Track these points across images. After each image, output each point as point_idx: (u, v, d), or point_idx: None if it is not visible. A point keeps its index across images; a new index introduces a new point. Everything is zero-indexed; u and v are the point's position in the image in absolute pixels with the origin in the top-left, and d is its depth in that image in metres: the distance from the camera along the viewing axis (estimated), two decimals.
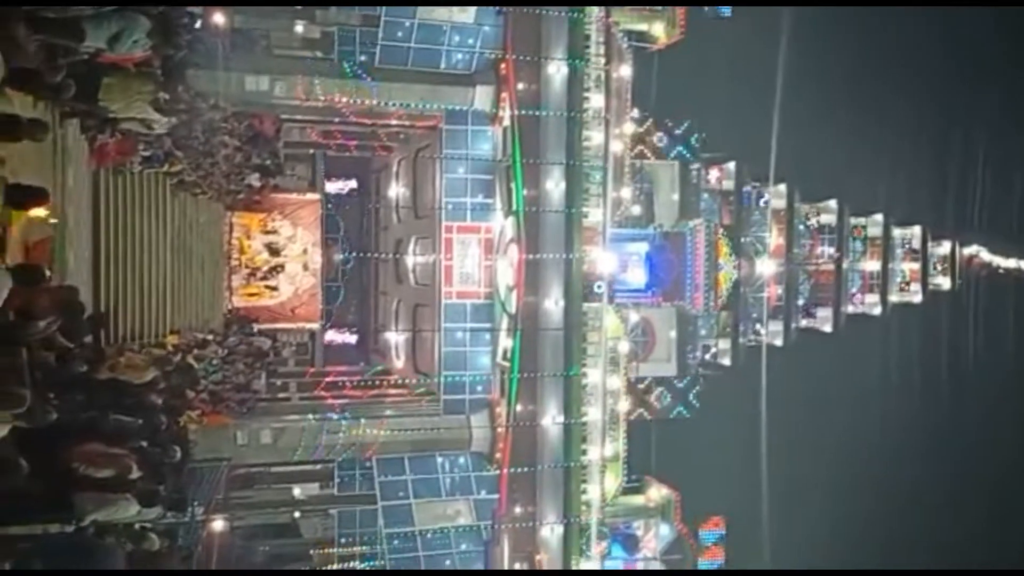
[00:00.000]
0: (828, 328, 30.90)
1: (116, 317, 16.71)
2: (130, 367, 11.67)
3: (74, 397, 9.66)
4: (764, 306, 29.79)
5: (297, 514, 28.32)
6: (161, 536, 10.67)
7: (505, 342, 25.23)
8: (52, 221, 10.54)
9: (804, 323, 30.95)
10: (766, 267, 28.96)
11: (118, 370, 11.43)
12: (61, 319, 8.96)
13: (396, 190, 31.74)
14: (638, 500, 24.44)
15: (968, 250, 32.78)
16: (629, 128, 25.68)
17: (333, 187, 33.80)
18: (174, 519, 11.97)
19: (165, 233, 19.55)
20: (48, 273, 9.22)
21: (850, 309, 31.19)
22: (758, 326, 30.04)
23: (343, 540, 25.80)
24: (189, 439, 13.83)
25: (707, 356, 29.51)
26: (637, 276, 26.12)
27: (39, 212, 9.91)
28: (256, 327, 28.15)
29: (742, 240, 28.60)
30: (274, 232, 29.89)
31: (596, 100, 23.48)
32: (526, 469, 22.76)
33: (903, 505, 46.22)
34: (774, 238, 29.83)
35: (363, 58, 25.02)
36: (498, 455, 24.63)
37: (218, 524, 22.64)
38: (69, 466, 8.76)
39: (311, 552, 27.75)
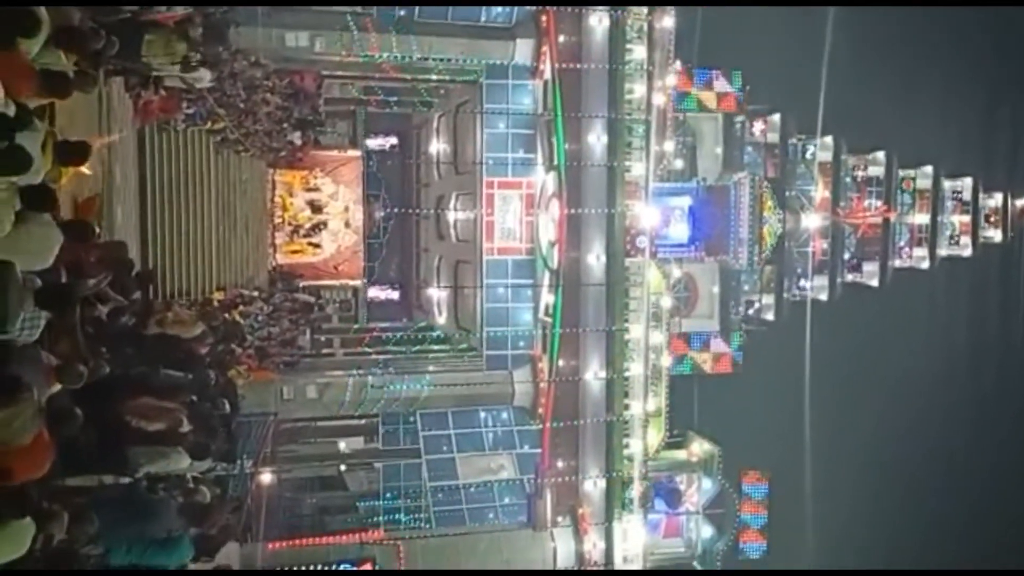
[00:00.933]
0: (875, 283, 30.38)
1: (163, 274, 16.95)
2: (178, 322, 11.82)
3: (125, 352, 9.81)
4: (809, 261, 29.36)
5: (343, 467, 28.77)
6: (212, 488, 10.88)
7: (547, 298, 25.20)
8: (89, 174, 10.63)
9: (850, 278, 30.45)
10: (811, 221, 28.49)
11: (166, 325, 11.57)
12: (111, 275, 9.10)
13: (437, 146, 31.64)
14: (680, 455, 24.43)
15: (1021, 202, 31.92)
16: (672, 80, 25.23)
17: (374, 144, 33.75)
18: (224, 472, 12.17)
19: (209, 190, 19.72)
20: (97, 229, 9.32)
21: (897, 263, 30.59)
22: (802, 281, 29.64)
23: (388, 493, 26.18)
24: (237, 394, 14.02)
25: (750, 311, 29.23)
26: (680, 231, 25.83)
27: (86, 169, 10.01)
28: (300, 284, 28.45)
29: (787, 194, 28.11)
30: (316, 189, 30.03)
31: (638, 52, 23.09)
32: (569, 424, 22.83)
33: (949, 466, 45.74)
34: (820, 191, 29.29)
35: (402, 12, 24.82)
36: (540, 410, 24.75)
37: (266, 477, 23.11)
38: (122, 419, 8.93)
39: (357, 505, 28.22)
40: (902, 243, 31.04)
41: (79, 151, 7.39)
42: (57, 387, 7.07)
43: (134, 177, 15.52)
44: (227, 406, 11.93)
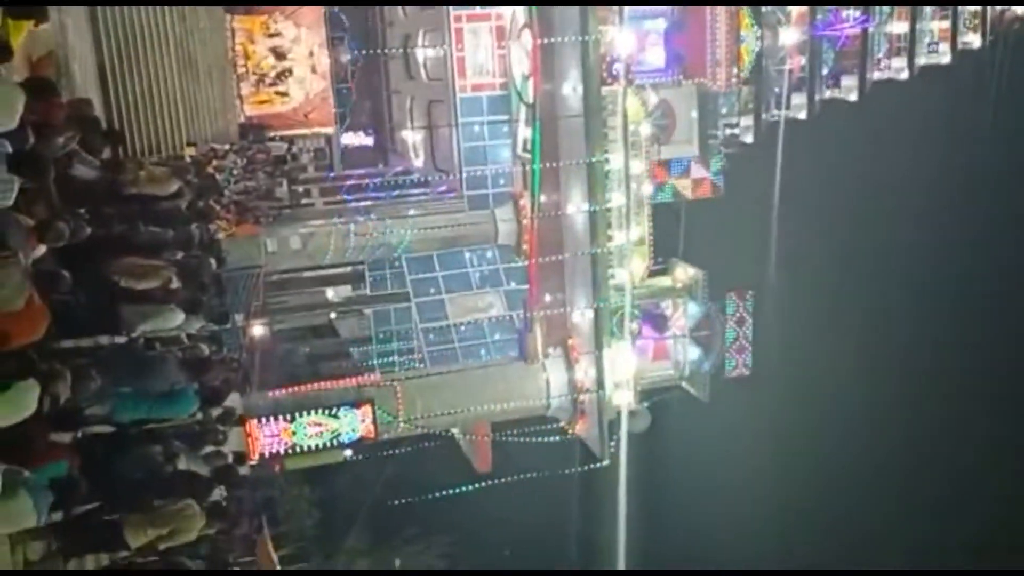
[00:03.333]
0: (853, 97, 29.97)
1: (131, 132, 16.52)
2: (152, 180, 11.61)
3: (104, 212, 9.67)
4: (787, 78, 28.80)
5: (333, 316, 29.13)
6: (208, 344, 10.99)
7: (524, 133, 24.82)
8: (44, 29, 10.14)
9: (828, 94, 29.99)
10: (789, 37, 27.77)
11: (140, 184, 11.38)
12: (79, 133, 8.83)
13: None
14: (665, 281, 24.69)
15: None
16: None
17: None
18: (218, 327, 12.25)
19: (168, 42, 18.97)
20: (59, 88, 8.98)
21: (876, 75, 30.08)
22: (780, 100, 29.19)
23: (380, 337, 26.64)
24: (222, 248, 13.97)
25: (729, 134, 28.91)
26: (656, 55, 25.16)
27: (38, 27, 9.52)
28: (271, 135, 27.83)
29: (762, 10, 27.26)
30: (277, 35, 28.84)
31: None
32: (554, 258, 22.96)
33: (928, 280, 46.55)
34: (796, 6, 28.40)
35: None
36: (525, 246, 24.85)
37: (258, 330, 23.40)
38: (110, 279, 8.90)
39: (350, 350, 28.77)
40: (880, 54, 30.43)
41: (31, 9, 7.01)
42: (41, 250, 6.99)
43: (88, 32, 14.86)
44: (213, 261, 11.92)
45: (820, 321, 44.87)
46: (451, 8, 25.43)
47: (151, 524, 8.57)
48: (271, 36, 28.71)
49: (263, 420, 19.83)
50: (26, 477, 6.05)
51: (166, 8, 18.60)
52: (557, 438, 22.74)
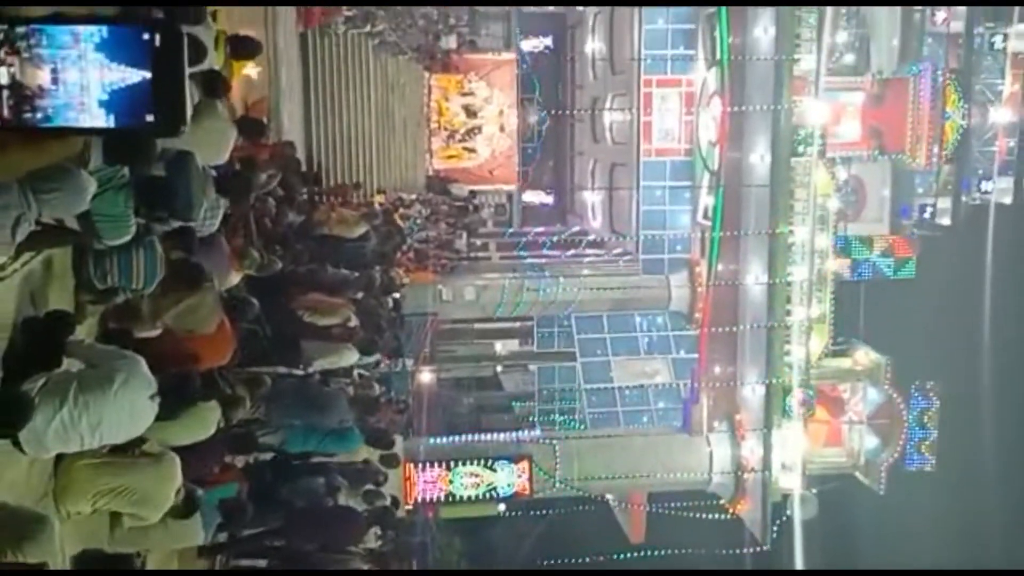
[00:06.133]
0: None
1: (327, 176, 17.39)
2: (342, 222, 12.12)
3: (295, 249, 10.13)
4: (994, 160, 27.12)
5: (499, 368, 29.39)
6: (378, 384, 11.26)
7: (706, 200, 24.42)
8: (257, 74, 10.85)
9: None
10: (1000, 116, 26.18)
11: (330, 225, 11.90)
12: (280, 172, 9.33)
13: (592, 45, 30.81)
14: (845, 363, 23.49)
15: None
16: None
17: (528, 45, 33.22)
18: (388, 369, 12.55)
19: (369, 94, 19.96)
20: (268, 129, 9.54)
21: None
22: (984, 182, 27.49)
23: (543, 394, 26.60)
24: (399, 293, 14.36)
25: (924, 215, 27.42)
26: (851, 128, 24.28)
27: (254, 72, 10.20)
28: (456, 188, 28.71)
29: (973, 88, 25.89)
30: (471, 94, 29.95)
31: None
32: (727, 329, 22.31)
33: None
34: (1008, 85, 26.79)
35: None
36: (698, 314, 24.30)
37: (426, 376, 23.89)
38: (295, 313, 9.28)
39: (512, 404, 28.87)
40: None
41: (250, 45, 7.49)
42: (236, 279, 7.34)
43: (298, 81, 15.83)
44: (392, 304, 12.25)
45: (1014, 417, 41.36)
46: (642, 73, 25.53)
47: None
48: (465, 95, 29.82)
49: (422, 465, 20.08)
50: (199, 495, 6.28)
51: (371, 62, 19.62)
52: (717, 515, 21.81)
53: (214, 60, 6.64)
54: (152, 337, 6.02)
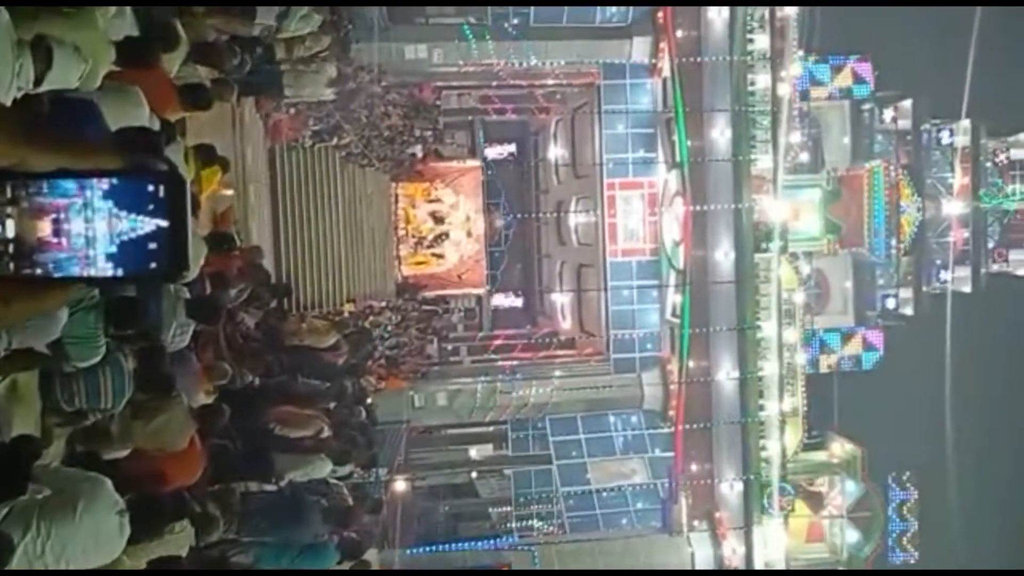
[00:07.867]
0: (1023, 271, 28.60)
1: (296, 287, 17.40)
2: (312, 332, 12.09)
3: (265, 361, 10.06)
4: (950, 250, 27.85)
5: (474, 474, 28.94)
6: (351, 492, 11.04)
7: (674, 298, 24.72)
8: (228, 192, 10.97)
9: (996, 267, 28.75)
10: (952, 208, 27.01)
11: (301, 335, 11.87)
12: (250, 285, 9.35)
13: (555, 151, 31.55)
14: (821, 456, 23.50)
15: None
16: (796, 69, 24.37)
17: (492, 152, 33.90)
18: (361, 479, 12.33)
19: (337, 205, 20.16)
20: (237, 240, 9.59)
21: None
22: (943, 272, 28.16)
23: (520, 499, 26.17)
24: (371, 402, 14.24)
25: (887, 306, 27.94)
26: (811, 223, 24.90)
27: (224, 187, 10.31)
28: (424, 295, 28.80)
29: (925, 181, 26.79)
30: (437, 200, 30.35)
31: (760, 41, 22.41)
32: (701, 426, 22.28)
33: None
34: (958, 178, 27.75)
35: (516, 20, 24.91)
36: (672, 412, 24.26)
37: (400, 484, 23.45)
38: (266, 427, 9.15)
39: (489, 511, 28.32)
40: None
41: (213, 152, 7.61)
42: (204, 397, 7.27)
43: (266, 195, 16.01)
44: (364, 413, 12.13)
45: (992, 504, 41.25)
46: (604, 176, 26.12)
47: None
48: (431, 201, 30.22)
49: None
50: None
51: (339, 174, 19.90)
52: None
53: (186, 173, 6.72)
54: (119, 457, 5.90)
